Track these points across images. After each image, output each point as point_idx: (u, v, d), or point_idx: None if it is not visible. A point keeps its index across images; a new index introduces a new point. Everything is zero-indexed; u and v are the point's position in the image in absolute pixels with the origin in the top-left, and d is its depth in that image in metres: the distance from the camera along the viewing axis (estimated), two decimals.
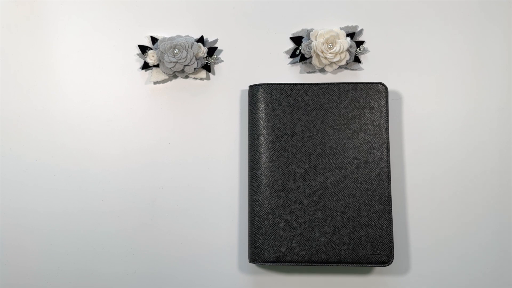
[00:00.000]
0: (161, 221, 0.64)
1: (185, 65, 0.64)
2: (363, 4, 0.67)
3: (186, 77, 0.67)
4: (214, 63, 0.66)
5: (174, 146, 0.65)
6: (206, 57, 0.66)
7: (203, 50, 0.65)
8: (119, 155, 0.65)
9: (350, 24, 0.66)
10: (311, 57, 0.65)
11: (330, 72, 0.66)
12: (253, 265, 0.63)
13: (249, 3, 0.67)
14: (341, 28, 0.65)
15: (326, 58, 0.64)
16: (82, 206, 0.65)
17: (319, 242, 0.60)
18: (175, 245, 0.64)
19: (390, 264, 0.60)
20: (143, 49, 0.66)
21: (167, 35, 0.66)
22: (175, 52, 0.63)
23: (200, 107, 0.66)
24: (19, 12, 0.68)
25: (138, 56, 0.67)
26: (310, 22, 0.67)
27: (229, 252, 0.64)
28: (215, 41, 0.67)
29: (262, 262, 0.60)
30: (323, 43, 0.63)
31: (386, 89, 0.62)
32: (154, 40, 0.66)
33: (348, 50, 0.64)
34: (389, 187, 0.61)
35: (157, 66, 0.66)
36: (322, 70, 0.66)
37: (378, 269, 0.64)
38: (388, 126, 0.62)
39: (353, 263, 0.60)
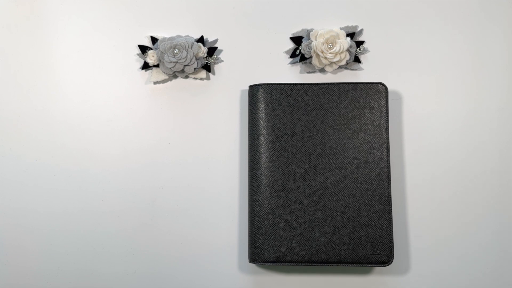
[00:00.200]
0: (161, 221, 0.64)
1: (185, 65, 0.64)
2: (363, 4, 0.67)
3: (186, 77, 0.67)
4: (214, 63, 0.66)
5: (174, 146, 0.65)
6: (206, 57, 0.66)
7: (203, 50, 0.65)
8: (119, 155, 0.65)
9: (350, 24, 0.66)
10: (311, 57, 0.65)
11: (330, 72, 0.66)
12: (253, 265, 0.63)
13: (249, 3, 0.67)
14: (341, 28, 0.65)
15: (326, 58, 0.64)
16: (82, 206, 0.65)
17: (319, 242, 0.60)
18: (175, 245, 0.64)
19: (390, 264, 0.60)
20: (143, 49, 0.66)
21: (167, 35, 0.66)
22: (175, 52, 0.63)
23: (200, 107, 0.66)
24: (19, 12, 0.68)
25: (138, 56, 0.67)
26: (310, 22, 0.67)
27: (229, 252, 0.64)
28: (215, 41, 0.67)
29: (262, 262, 0.60)
30: (323, 43, 0.63)
31: (386, 89, 0.62)
32: (154, 40, 0.66)
33: (348, 50, 0.64)
34: (389, 187, 0.61)
35: (157, 66, 0.66)
36: (322, 70, 0.66)
37: (378, 269, 0.64)
38: (388, 126, 0.62)
39: (353, 263, 0.60)
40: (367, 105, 0.62)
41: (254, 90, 0.63)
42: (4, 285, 0.64)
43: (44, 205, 0.65)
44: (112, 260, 0.64)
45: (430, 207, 0.64)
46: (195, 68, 0.65)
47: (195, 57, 0.64)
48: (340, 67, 0.66)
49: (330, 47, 0.64)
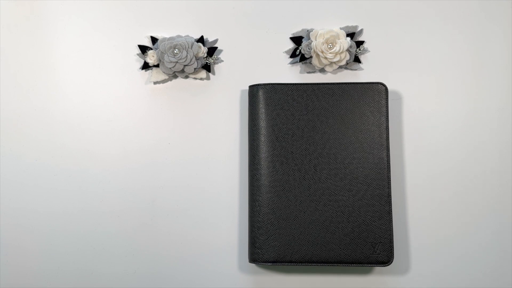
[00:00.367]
0: (161, 221, 0.64)
1: (185, 65, 0.64)
2: (363, 4, 0.67)
3: (186, 77, 0.67)
4: (214, 63, 0.66)
5: (174, 146, 0.65)
6: (206, 57, 0.66)
7: (203, 50, 0.65)
8: (119, 155, 0.65)
9: (350, 24, 0.66)
10: (311, 57, 0.65)
11: (330, 72, 0.66)
12: (253, 265, 0.63)
13: (249, 3, 0.67)
14: (341, 28, 0.65)
15: (326, 58, 0.64)
16: (82, 206, 0.65)
17: (319, 242, 0.60)
18: (175, 245, 0.64)
19: (390, 264, 0.60)
20: (143, 49, 0.66)
21: (167, 35, 0.66)
22: (175, 52, 0.63)
23: (200, 107, 0.66)
24: (19, 12, 0.68)
25: (138, 56, 0.67)
26: (310, 22, 0.67)
27: (229, 252, 0.64)
28: (215, 41, 0.67)
29: (262, 262, 0.60)
30: (323, 43, 0.63)
31: (386, 89, 0.62)
32: (154, 40, 0.66)
33: (348, 50, 0.64)
34: (389, 187, 0.61)
35: (157, 66, 0.66)
36: (322, 70, 0.66)
37: (378, 269, 0.64)
38: (388, 126, 0.62)
39: (353, 263, 0.60)
40: (367, 105, 0.62)
41: (254, 90, 0.63)
42: (4, 285, 0.64)
43: (44, 205, 0.65)
44: (112, 260, 0.64)
45: (430, 207, 0.64)
46: (195, 68, 0.65)
47: (195, 57, 0.64)
48: (340, 67, 0.66)
49: (330, 47, 0.64)
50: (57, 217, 0.64)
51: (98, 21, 0.67)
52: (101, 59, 0.67)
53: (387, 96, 0.62)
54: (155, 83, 0.67)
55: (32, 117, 0.66)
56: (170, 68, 0.64)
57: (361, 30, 0.67)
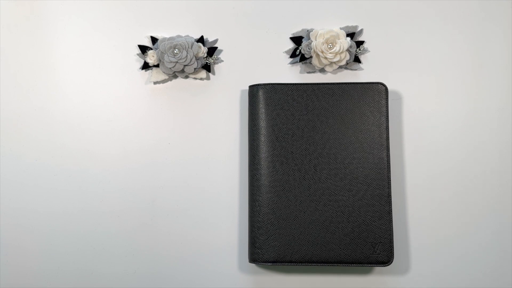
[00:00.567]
0: (161, 221, 0.64)
1: (185, 65, 0.64)
2: (363, 4, 0.67)
3: (186, 77, 0.67)
4: (214, 63, 0.66)
5: (174, 146, 0.65)
6: (206, 57, 0.66)
7: (203, 50, 0.65)
8: (119, 155, 0.65)
9: (350, 24, 0.66)
10: (311, 57, 0.65)
11: (330, 72, 0.66)
12: (253, 265, 0.63)
13: (249, 3, 0.67)
14: (341, 28, 0.65)
15: (326, 58, 0.64)
16: (82, 206, 0.65)
17: (319, 242, 0.60)
18: (175, 245, 0.64)
19: (390, 264, 0.60)
20: (143, 49, 0.66)
21: (167, 35, 0.66)
22: (175, 52, 0.63)
23: (200, 107, 0.66)
24: (19, 12, 0.68)
25: (138, 56, 0.67)
26: (310, 22, 0.67)
27: (229, 252, 0.64)
28: (215, 41, 0.67)
29: (262, 262, 0.60)
30: (323, 43, 0.63)
31: (386, 89, 0.62)
32: (154, 40, 0.66)
33: (348, 50, 0.64)
34: (389, 187, 0.61)
35: (157, 66, 0.66)
36: (322, 70, 0.66)
37: (378, 269, 0.64)
38: (388, 126, 0.62)
39: (353, 263, 0.60)
40: (367, 105, 0.62)
41: (254, 90, 0.63)
42: (4, 285, 0.64)
43: (44, 205, 0.65)
44: (112, 260, 0.64)
45: (430, 207, 0.64)
46: (195, 68, 0.65)
47: (195, 57, 0.64)
48: (340, 67, 0.66)
49: (330, 47, 0.64)
50: (57, 217, 0.64)
51: (98, 21, 0.67)
52: (101, 59, 0.67)
53: (387, 96, 0.62)
54: (155, 83, 0.67)
55: (32, 117, 0.66)
56: (170, 68, 0.64)
57: (361, 30, 0.67)
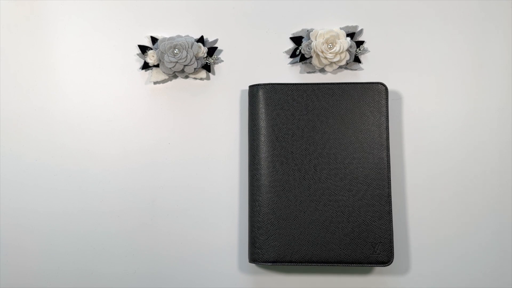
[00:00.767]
0: (161, 221, 0.64)
1: (185, 65, 0.64)
2: (363, 4, 0.67)
3: (186, 77, 0.67)
4: (214, 63, 0.66)
5: (174, 146, 0.65)
6: (206, 57, 0.66)
7: (203, 50, 0.65)
8: (119, 155, 0.65)
9: (350, 24, 0.66)
10: (311, 57, 0.65)
11: (330, 72, 0.66)
12: (253, 265, 0.63)
13: (249, 3, 0.67)
14: (341, 28, 0.65)
15: (326, 58, 0.64)
16: (82, 206, 0.65)
17: (319, 242, 0.60)
18: (175, 245, 0.64)
19: (390, 264, 0.60)
20: (143, 49, 0.66)
21: (167, 35, 0.66)
22: (175, 52, 0.63)
23: (200, 107, 0.66)
24: (19, 12, 0.68)
25: (138, 56, 0.67)
26: (310, 22, 0.67)
27: (229, 252, 0.64)
28: (215, 41, 0.67)
29: (262, 262, 0.60)
30: (323, 43, 0.63)
31: (386, 89, 0.62)
32: (154, 40, 0.66)
33: (348, 50, 0.64)
34: (389, 187, 0.61)
35: (157, 66, 0.66)
36: (322, 70, 0.67)
37: (378, 269, 0.64)
38: (388, 126, 0.62)
39: (353, 263, 0.60)
40: (367, 105, 0.62)
41: (254, 90, 0.63)
42: (4, 285, 0.64)
43: (44, 205, 0.65)
44: (112, 260, 0.64)
45: (430, 207, 0.64)
46: (195, 68, 0.65)
47: (195, 57, 0.64)
48: (340, 67, 0.66)
49: (330, 47, 0.64)
50: (57, 217, 0.64)
51: (98, 21, 0.67)
52: (101, 59, 0.67)
53: (387, 96, 0.62)
54: (155, 83, 0.67)
55: (32, 117, 0.66)
56: (170, 68, 0.64)
57: (361, 30, 0.67)
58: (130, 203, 0.64)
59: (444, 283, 0.63)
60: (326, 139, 0.62)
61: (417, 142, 0.65)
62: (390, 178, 0.61)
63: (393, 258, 0.60)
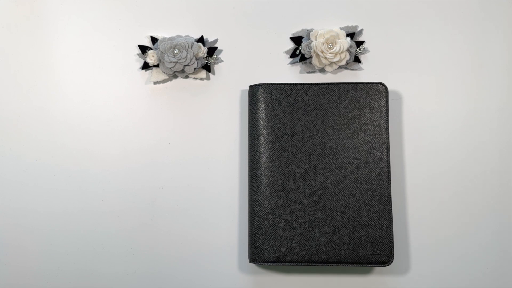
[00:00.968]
0: (161, 221, 0.64)
1: (185, 65, 0.64)
2: (363, 4, 0.67)
3: (186, 77, 0.67)
4: (214, 63, 0.66)
5: (174, 146, 0.65)
6: (206, 57, 0.66)
7: (203, 50, 0.65)
8: (119, 155, 0.65)
9: (350, 24, 0.66)
10: (311, 57, 0.65)
11: (330, 72, 0.66)
12: (253, 265, 0.63)
13: (249, 3, 0.67)
14: (341, 28, 0.65)
15: (326, 58, 0.64)
16: (82, 206, 0.65)
17: (319, 242, 0.60)
18: (175, 245, 0.64)
19: (390, 264, 0.60)
20: (143, 49, 0.66)
21: (167, 35, 0.66)
22: (175, 52, 0.63)
23: (200, 107, 0.66)
24: (19, 12, 0.68)
25: (138, 56, 0.67)
26: (310, 22, 0.67)
27: (229, 252, 0.64)
28: (215, 41, 0.67)
29: (262, 262, 0.60)
30: (323, 43, 0.63)
31: (386, 89, 0.62)
32: (154, 40, 0.66)
33: (348, 50, 0.64)
34: (389, 187, 0.61)
35: (157, 66, 0.66)
36: (322, 70, 0.67)
37: (378, 269, 0.64)
38: (388, 126, 0.62)
39: (353, 263, 0.60)
40: (367, 105, 0.62)
41: (254, 90, 0.63)
42: (4, 285, 0.64)
43: (44, 205, 0.65)
44: (112, 260, 0.64)
45: (430, 207, 0.64)
46: (195, 68, 0.65)
47: (195, 57, 0.64)
48: (340, 67, 0.66)
49: (330, 47, 0.64)
50: (57, 217, 0.64)
51: (98, 21, 0.67)
52: (101, 59, 0.67)
53: (387, 96, 0.62)
54: (155, 83, 0.67)
55: (32, 117, 0.66)
56: (170, 68, 0.64)
57: (361, 30, 0.67)
58: (130, 203, 0.64)
59: (444, 283, 0.63)
60: (326, 139, 0.62)
61: (417, 142, 0.65)
62: (390, 178, 0.61)
63: (393, 258, 0.60)
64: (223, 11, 0.67)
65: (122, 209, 0.64)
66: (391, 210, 0.61)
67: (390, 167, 0.61)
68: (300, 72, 0.67)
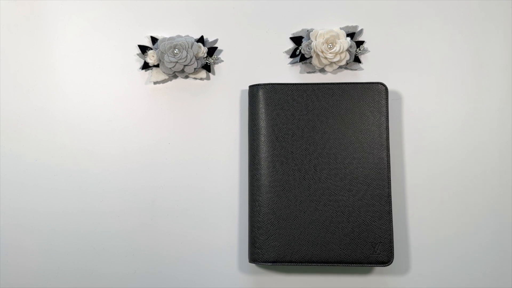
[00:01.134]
0: (161, 221, 0.64)
1: (185, 65, 0.64)
2: (363, 4, 0.67)
3: (186, 77, 0.67)
4: (214, 63, 0.66)
5: (174, 146, 0.65)
6: (206, 57, 0.66)
7: (203, 50, 0.65)
8: (119, 155, 0.65)
9: (350, 24, 0.66)
10: (311, 57, 0.65)
11: (330, 72, 0.66)
12: (253, 265, 0.63)
13: (249, 3, 0.67)
14: (341, 28, 0.65)
15: (326, 58, 0.64)
16: (82, 206, 0.65)
17: (319, 242, 0.60)
18: (175, 245, 0.64)
19: (390, 264, 0.60)
20: (143, 49, 0.66)
21: (167, 35, 0.66)
22: (175, 52, 0.63)
23: (200, 107, 0.66)
24: (19, 12, 0.68)
25: (138, 56, 0.67)
26: (310, 22, 0.67)
27: (229, 252, 0.64)
28: (215, 41, 0.67)
29: (262, 262, 0.60)
30: (323, 43, 0.63)
31: (386, 89, 0.62)
32: (154, 40, 0.66)
33: (348, 50, 0.64)
34: (389, 187, 0.61)
35: (157, 66, 0.66)
36: (322, 70, 0.67)
37: (378, 269, 0.64)
38: (388, 126, 0.62)
39: (353, 263, 0.60)
40: (367, 105, 0.62)
41: (254, 90, 0.63)
42: (4, 285, 0.64)
43: (44, 205, 0.65)
44: (112, 260, 0.64)
45: (430, 207, 0.64)
46: (195, 68, 0.65)
47: (195, 57, 0.64)
48: (340, 67, 0.66)
49: (330, 47, 0.64)
50: (57, 217, 0.64)
51: (98, 21, 0.67)
52: (101, 59, 0.67)
53: (387, 96, 0.62)
54: (155, 83, 0.67)
55: (32, 117, 0.66)
56: (170, 68, 0.64)
57: (361, 30, 0.67)
58: (130, 203, 0.64)
59: (444, 283, 0.63)
60: (326, 139, 0.62)
61: (417, 142, 0.65)
62: (390, 178, 0.61)
63: (393, 258, 0.60)
64: (223, 11, 0.67)
65: (122, 209, 0.64)
66: (391, 210, 0.61)
67: (390, 167, 0.61)
68: (300, 72, 0.67)
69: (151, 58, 0.65)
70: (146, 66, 0.66)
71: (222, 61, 0.67)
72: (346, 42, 0.64)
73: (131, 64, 0.67)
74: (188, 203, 0.64)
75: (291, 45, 0.67)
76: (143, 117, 0.66)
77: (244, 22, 0.67)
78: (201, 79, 0.67)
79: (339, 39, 0.64)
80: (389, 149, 0.61)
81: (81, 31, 0.67)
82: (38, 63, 0.67)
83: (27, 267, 0.64)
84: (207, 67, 0.66)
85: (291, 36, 0.67)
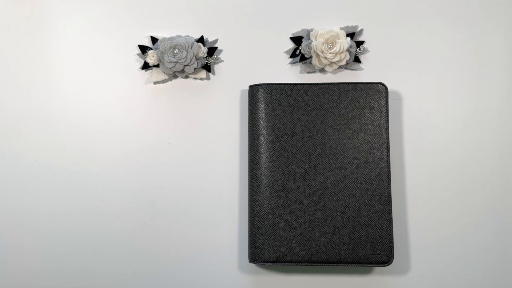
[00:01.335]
0: (161, 221, 0.64)
1: (185, 65, 0.64)
2: (363, 4, 0.67)
3: (186, 77, 0.67)
4: (214, 63, 0.66)
5: (174, 146, 0.65)
6: (206, 57, 0.66)
7: (203, 50, 0.65)
8: (119, 155, 0.65)
9: (350, 24, 0.66)
10: (311, 57, 0.65)
11: (330, 72, 0.66)
12: (253, 265, 0.63)
13: (249, 3, 0.67)
14: (341, 28, 0.65)
15: (326, 58, 0.64)
16: (82, 206, 0.65)
17: (319, 242, 0.60)
18: (175, 245, 0.64)
19: (390, 264, 0.60)
20: (143, 49, 0.66)
21: (167, 35, 0.66)
22: (175, 52, 0.63)
23: (200, 107, 0.66)
24: (19, 12, 0.68)
25: (138, 56, 0.67)
26: (310, 22, 0.67)
27: (229, 252, 0.64)
28: (215, 41, 0.67)
29: (262, 262, 0.60)
30: (323, 43, 0.63)
31: (386, 89, 0.62)
32: (154, 40, 0.66)
33: (348, 50, 0.64)
34: (389, 187, 0.61)
35: (157, 66, 0.66)
36: (322, 70, 0.67)
37: (378, 269, 0.64)
38: (388, 126, 0.62)
39: (353, 263, 0.60)
40: (367, 105, 0.62)
41: (254, 90, 0.63)
42: (4, 285, 0.64)
43: (44, 205, 0.65)
44: (112, 260, 0.64)
45: (430, 207, 0.64)
46: (195, 68, 0.65)
47: (195, 57, 0.64)
48: (340, 67, 0.66)
49: (330, 47, 0.64)
50: (57, 217, 0.64)
51: (98, 21, 0.67)
52: (101, 59, 0.67)
53: (387, 96, 0.62)
54: (155, 83, 0.67)
55: (32, 117, 0.66)
56: (170, 68, 0.64)
57: (361, 30, 0.67)
58: (130, 203, 0.64)
59: (444, 283, 0.63)
60: (326, 139, 0.62)
61: (417, 142, 0.65)
62: (390, 178, 0.61)
63: (393, 258, 0.60)
64: (223, 11, 0.67)
65: (122, 209, 0.64)
66: (391, 210, 0.61)
67: (390, 167, 0.61)
68: (300, 72, 0.67)
69: (151, 58, 0.65)
70: (146, 66, 0.66)
71: (222, 61, 0.67)
72: (346, 42, 0.64)
73: (131, 64, 0.67)
74: (188, 203, 0.64)
75: (291, 45, 0.67)
76: (143, 117, 0.66)
77: (244, 22, 0.67)
78: (201, 79, 0.67)
79: (339, 39, 0.64)
80: (389, 149, 0.61)
81: (81, 31, 0.67)
82: (38, 63, 0.67)
83: (27, 267, 0.64)
84: (207, 67, 0.66)
85: (291, 36, 0.67)
